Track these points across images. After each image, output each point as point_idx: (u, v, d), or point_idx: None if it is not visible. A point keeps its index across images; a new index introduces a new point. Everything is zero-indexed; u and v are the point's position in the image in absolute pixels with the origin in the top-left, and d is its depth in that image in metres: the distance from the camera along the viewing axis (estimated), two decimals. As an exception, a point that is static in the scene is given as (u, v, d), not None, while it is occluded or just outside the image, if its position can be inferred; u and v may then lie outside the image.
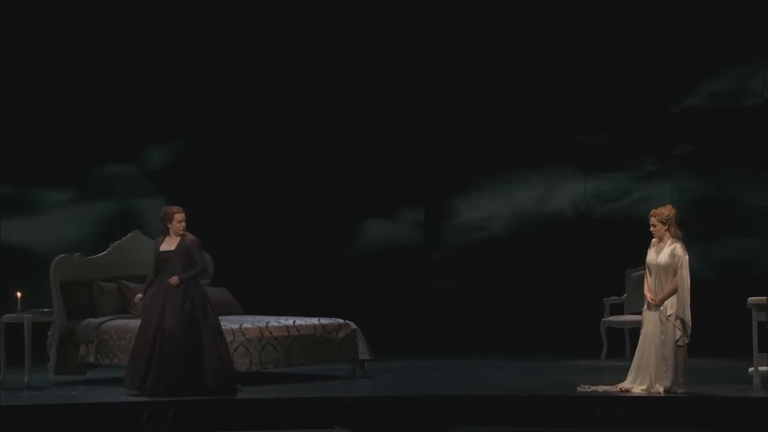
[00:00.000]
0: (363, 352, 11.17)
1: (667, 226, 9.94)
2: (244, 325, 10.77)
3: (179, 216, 10.17)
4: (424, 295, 15.16)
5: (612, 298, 12.66)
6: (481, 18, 14.95)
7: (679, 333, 9.80)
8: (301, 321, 11.07)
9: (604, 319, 12.50)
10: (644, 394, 9.82)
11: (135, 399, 9.76)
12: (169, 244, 10.14)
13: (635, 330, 12.30)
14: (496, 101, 15.03)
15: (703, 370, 11.38)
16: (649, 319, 9.95)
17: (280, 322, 10.97)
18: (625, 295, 12.63)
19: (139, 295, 10.25)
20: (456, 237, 15.39)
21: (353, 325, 11.20)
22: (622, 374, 10.18)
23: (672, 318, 9.81)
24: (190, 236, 10.20)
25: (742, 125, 14.54)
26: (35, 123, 14.03)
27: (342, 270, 14.86)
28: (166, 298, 9.98)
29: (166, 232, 10.19)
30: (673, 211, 9.98)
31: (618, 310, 12.63)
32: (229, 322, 10.80)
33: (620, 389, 9.91)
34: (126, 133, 14.30)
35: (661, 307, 9.86)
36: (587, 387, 10.01)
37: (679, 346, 9.81)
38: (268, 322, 10.92)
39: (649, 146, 14.83)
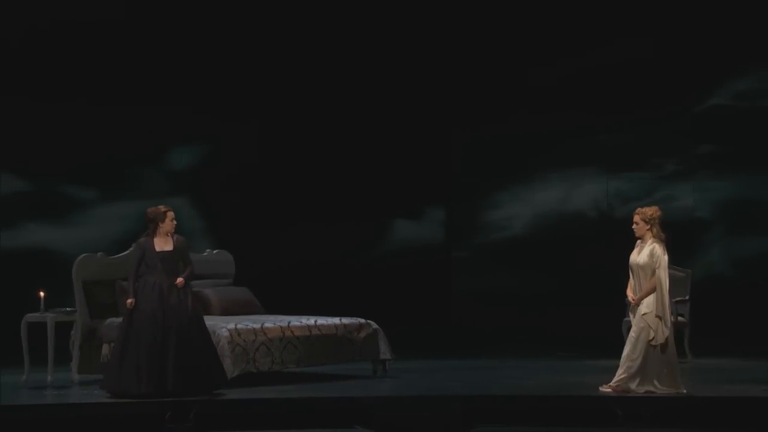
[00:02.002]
0: (384, 351, 11.18)
1: (649, 226, 9.97)
2: (266, 325, 10.80)
3: (171, 215, 10.08)
4: (446, 294, 15.16)
5: (634, 297, 12.61)
6: (502, 19, 14.93)
7: (652, 333, 9.79)
8: (322, 321, 11.09)
9: (625, 319, 12.43)
10: (666, 394, 9.80)
11: (156, 399, 9.76)
12: (163, 244, 10.04)
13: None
14: (518, 101, 15.00)
15: (726, 369, 11.35)
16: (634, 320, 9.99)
17: (301, 322, 10.99)
18: (647, 295, 12.58)
19: (131, 300, 9.97)
20: (478, 237, 15.39)
21: (374, 325, 11.22)
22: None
23: (647, 317, 9.82)
24: (177, 236, 10.14)
25: (766, 125, 14.47)
26: (61, 122, 14.09)
27: (363, 269, 14.87)
28: (167, 298, 9.89)
29: (154, 233, 10.07)
30: (659, 213, 10.02)
31: (640, 309, 12.58)
32: (250, 322, 10.83)
33: (646, 391, 9.88)
34: (151, 133, 14.34)
35: (639, 307, 9.88)
36: (607, 387, 9.98)
37: (652, 345, 9.79)
38: (289, 322, 10.94)
39: (672, 146, 14.79)
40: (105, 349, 10.86)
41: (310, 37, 14.83)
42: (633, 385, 9.83)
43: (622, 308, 12.54)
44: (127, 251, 11.17)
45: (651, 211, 9.99)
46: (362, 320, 11.22)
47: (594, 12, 14.65)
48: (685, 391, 9.82)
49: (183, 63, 14.43)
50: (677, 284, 12.46)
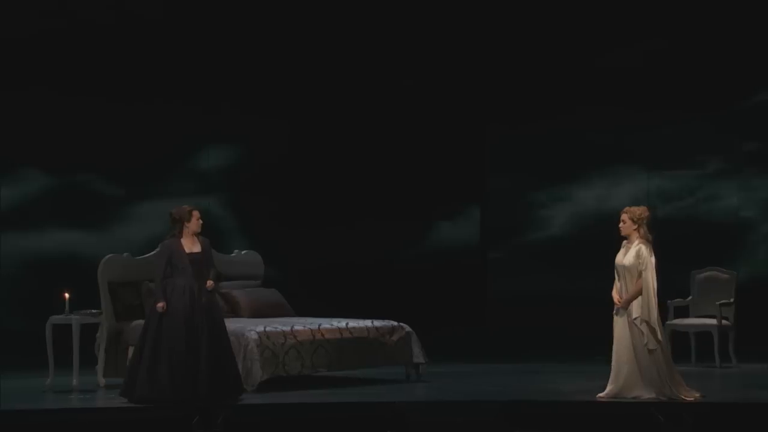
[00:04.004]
0: (417, 355, 11.19)
1: (636, 226, 9.94)
2: (296, 327, 10.83)
3: (197, 214, 10.05)
4: (481, 296, 15.14)
5: (676, 300, 12.58)
6: (539, 14, 14.88)
7: (645, 338, 9.74)
8: (353, 323, 11.10)
9: (668, 322, 12.41)
10: (670, 401, 9.75)
11: (190, 404, 9.77)
12: (192, 245, 10.01)
13: (701, 333, 12.28)
14: (556, 97, 14.96)
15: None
16: (618, 324, 9.92)
17: (332, 325, 11.00)
18: (690, 297, 12.55)
19: (163, 303, 9.90)
20: (514, 237, 15.35)
21: (407, 328, 11.22)
22: (685, 379, 10.09)
23: (638, 321, 9.77)
24: (202, 237, 10.10)
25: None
26: (88, 120, 14.17)
27: (396, 271, 14.86)
28: (197, 301, 9.87)
29: (180, 234, 10.02)
30: (647, 213, 10.00)
31: (683, 312, 12.55)
32: (280, 325, 10.86)
33: (635, 397, 9.81)
34: (180, 133, 14.40)
35: (628, 311, 9.82)
36: (603, 396, 9.92)
37: (650, 350, 9.73)
38: (320, 324, 10.96)
39: (716, 143, 14.70)
40: (131, 352, 10.89)
41: (344, 35, 14.83)
42: (629, 394, 9.79)
43: (664, 311, 12.49)
44: (154, 252, 11.20)
45: (640, 210, 9.99)
46: (395, 323, 11.23)
47: (636, 7, 14.58)
48: (690, 398, 9.72)
49: (215, 61, 14.47)
50: (722, 286, 12.40)
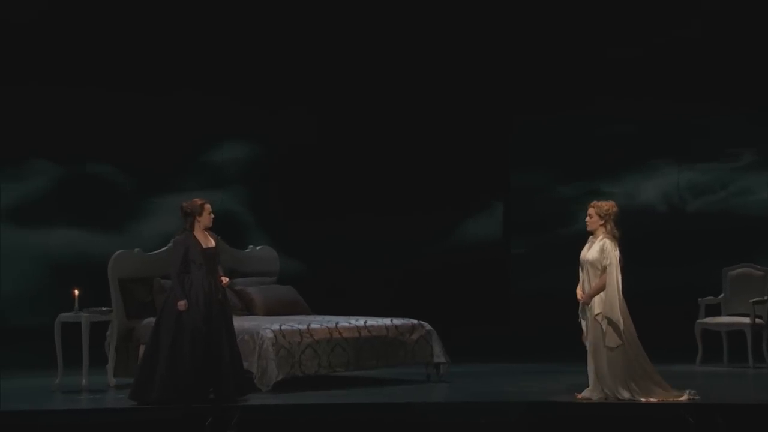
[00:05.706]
0: (438, 354, 11.15)
1: (603, 221, 9.88)
2: (312, 326, 10.80)
3: (208, 207, 9.96)
4: (504, 293, 15.10)
5: (708, 298, 12.52)
6: (568, 2, 14.82)
7: (606, 335, 9.67)
8: (372, 321, 11.07)
9: (699, 321, 12.36)
10: (654, 401, 9.68)
11: (219, 402, 9.77)
12: (206, 240, 9.95)
13: (733, 333, 12.21)
14: (582, 88, 14.90)
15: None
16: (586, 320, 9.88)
17: (350, 323, 10.98)
18: (722, 295, 12.47)
19: (185, 301, 9.80)
20: (538, 232, 15.30)
21: (428, 326, 11.19)
22: (717, 380, 10.04)
23: (599, 318, 9.70)
24: (212, 232, 10.05)
25: None
26: (101, 114, 14.21)
27: (416, 268, 14.84)
28: (213, 297, 9.84)
29: (192, 228, 9.92)
30: (615, 208, 9.92)
31: (715, 311, 12.48)
32: (296, 323, 10.84)
33: (603, 397, 9.77)
34: (194, 126, 14.41)
35: (590, 307, 9.75)
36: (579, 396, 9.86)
37: (610, 348, 9.65)
38: (337, 323, 10.93)
39: (748, 135, 14.63)
40: (143, 350, 10.88)
41: (367, 27, 14.80)
42: (594, 395, 9.74)
43: (695, 310, 12.43)
44: (165, 248, 11.19)
45: (607, 205, 9.91)
46: (415, 321, 11.19)
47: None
48: (682, 397, 9.65)
49: (231, 54, 14.48)
50: (755, 283, 12.33)
